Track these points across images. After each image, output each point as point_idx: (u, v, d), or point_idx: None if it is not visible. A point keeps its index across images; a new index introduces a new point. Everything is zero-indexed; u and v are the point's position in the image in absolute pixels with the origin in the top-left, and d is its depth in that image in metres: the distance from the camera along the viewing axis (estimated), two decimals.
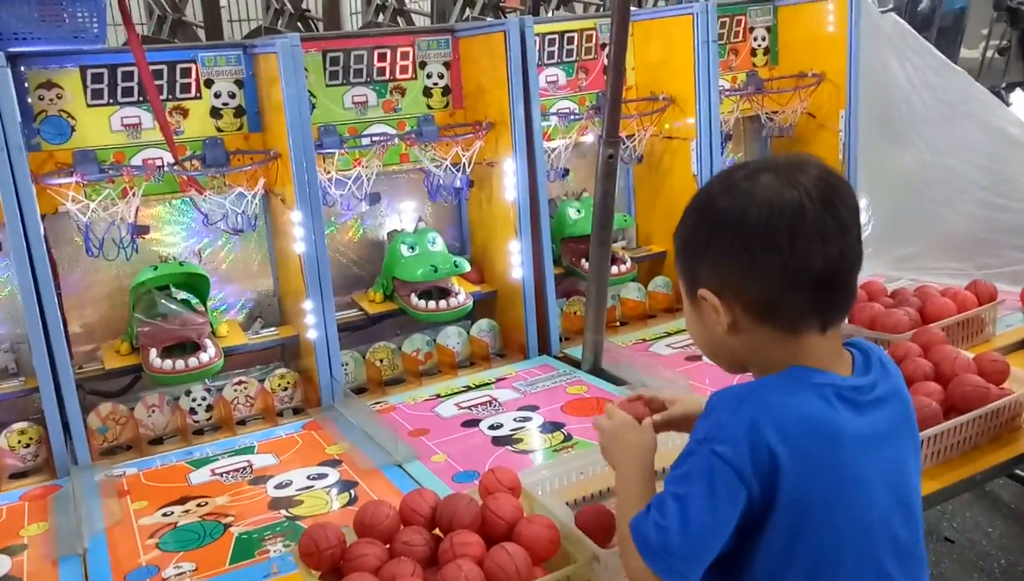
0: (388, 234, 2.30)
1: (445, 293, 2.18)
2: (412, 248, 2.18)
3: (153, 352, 1.90)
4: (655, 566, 0.96)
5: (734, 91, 2.69)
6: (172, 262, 2.00)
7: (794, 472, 0.91)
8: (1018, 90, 4.05)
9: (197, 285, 2.02)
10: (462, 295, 2.17)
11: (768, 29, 2.84)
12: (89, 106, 1.92)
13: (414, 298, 2.15)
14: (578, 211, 2.40)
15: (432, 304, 2.14)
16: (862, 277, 2.65)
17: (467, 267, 2.18)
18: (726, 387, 1.00)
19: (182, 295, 1.98)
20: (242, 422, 2.03)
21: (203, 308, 2.00)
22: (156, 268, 1.96)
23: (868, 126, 2.75)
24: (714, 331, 0.99)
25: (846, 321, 1.97)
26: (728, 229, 0.95)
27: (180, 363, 1.88)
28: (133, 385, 2.05)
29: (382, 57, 2.21)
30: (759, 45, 2.83)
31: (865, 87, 2.70)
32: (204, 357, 1.90)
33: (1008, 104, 3.85)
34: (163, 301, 1.92)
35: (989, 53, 6.97)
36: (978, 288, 2.09)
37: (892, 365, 1.05)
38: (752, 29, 2.81)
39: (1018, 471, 2.20)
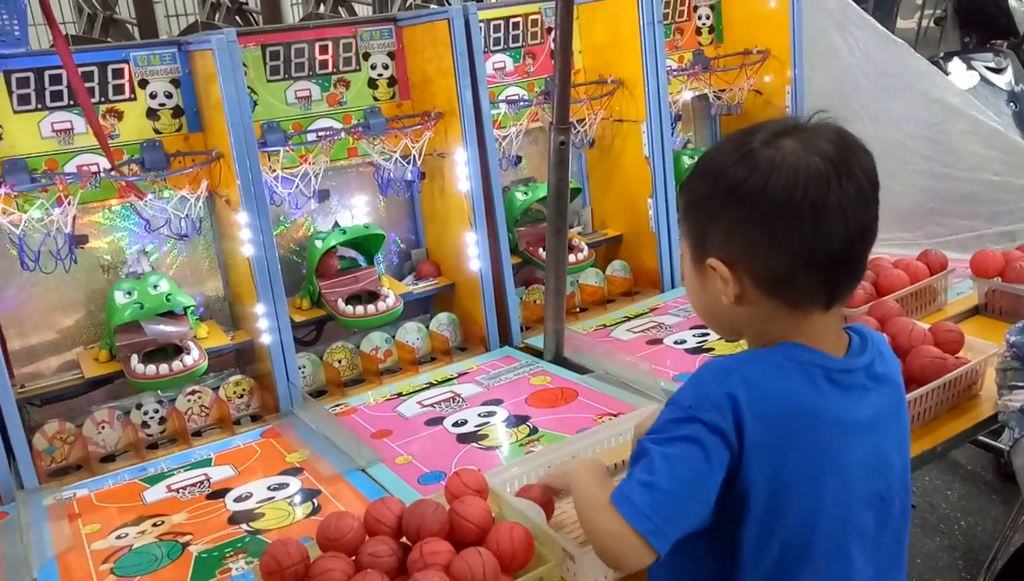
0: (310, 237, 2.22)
1: (374, 297, 2.12)
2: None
3: (135, 358, 1.85)
4: (642, 526, 0.91)
5: (681, 71, 2.69)
6: (160, 296, 1.89)
7: (770, 449, 0.91)
8: (955, 59, 4.11)
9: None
10: (391, 298, 2.11)
11: (712, 7, 2.84)
12: (16, 112, 1.83)
13: (341, 304, 2.08)
14: (525, 193, 2.38)
15: (360, 309, 2.08)
16: None
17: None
18: (715, 358, 1.00)
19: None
20: (198, 433, 1.97)
21: (183, 313, 1.95)
22: (143, 306, 1.85)
23: (814, 101, 2.76)
24: (717, 299, 0.96)
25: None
26: (747, 200, 0.90)
27: (164, 367, 1.83)
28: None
29: (324, 49, 2.15)
30: (704, 24, 2.83)
31: (809, 62, 2.72)
32: (188, 360, 1.85)
33: (946, 73, 3.92)
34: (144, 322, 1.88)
35: (925, 23, 7.10)
36: (929, 258, 2.12)
37: (891, 354, 1.03)
38: (696, 8, 2.80)
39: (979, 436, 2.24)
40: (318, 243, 2.11)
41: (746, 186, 0.90)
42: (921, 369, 1.57)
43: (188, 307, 1.95)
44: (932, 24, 5.72)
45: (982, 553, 2.53)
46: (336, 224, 2.24)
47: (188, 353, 1.87)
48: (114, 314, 1.88)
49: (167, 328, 1.90)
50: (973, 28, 4.16)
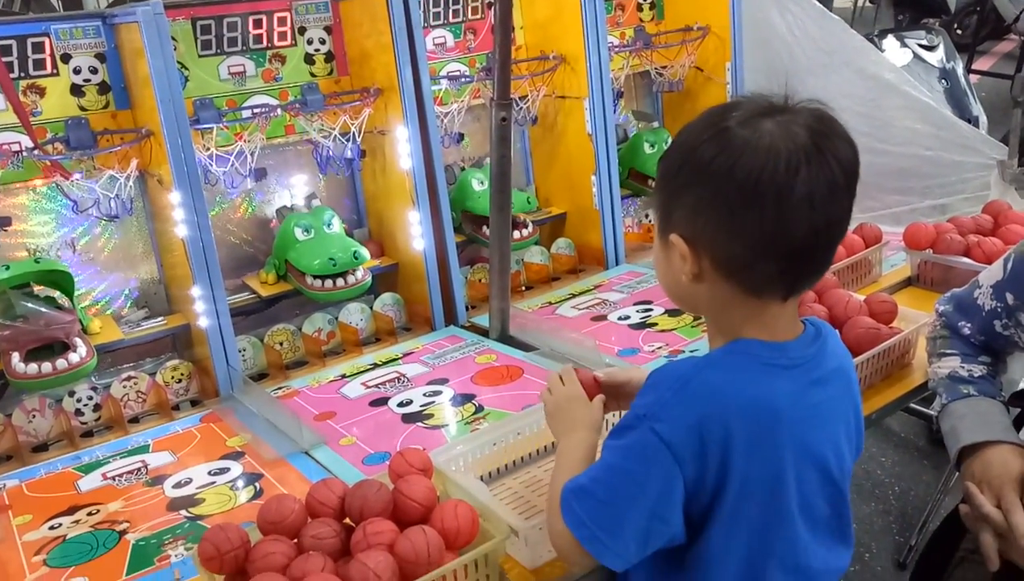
0: (277, 211, 2.19)
1: None
2: (307, 231, 2.09)
3: (15, 356, 1.73)
4: (579, 534, 0.94)
5: (623, 47, 2.69)
6: (27, 260, 1.83)
7: (741, 456, 0.90)
8: (889, 37, 4.21)
9: (60, 281, 1.86)
10: (360, 271, 2.10)
11: None
12: None
13: (309, 278, 2.06)
14: (481, 182, 2.35)
15: (329, 283, 2.05)
16: None
17: (367, 257, 2.09)
18: (669, 363, 0.98)
19: (46, 292, 1.83)
20: (135, 419, 1.91)
21: (70, 304, 1.86)
22: (8, 267, 1.78)
23: (754, 77, 2.80)
24: (678, 275, 0.95)
25: None
26: (713, 179, 0.88)
27: (47, 366, 1.72)
28: (3, 392, 1.89)
29: (258, 24, 2.09)
30: (645, 0, 2.83)
31: (749, 38, 2.74)
32: (74, 357, 1.75)
33: (881, 50, 4.00)
34: (22, 302, 1.76)
35: (860, 2, 7.25)
36: (864, 231, 2.17)
37: (842, 347, 1.04)
38: None
39: (911, 404, 2.32)
40: (299, 233, 2.08)
41: (714, 165, 0.88)
42: (856, 339, 1.61)
43: (71, 292, 1.85)
44: (867, 3, 5.85)
45: (915, 516, 2.62)
46: (312, 196, 2.23)
47: (74, 350, 1.76)
48: None
49: (48, 311, 1.77)
50: (906, 7, 4.26)
